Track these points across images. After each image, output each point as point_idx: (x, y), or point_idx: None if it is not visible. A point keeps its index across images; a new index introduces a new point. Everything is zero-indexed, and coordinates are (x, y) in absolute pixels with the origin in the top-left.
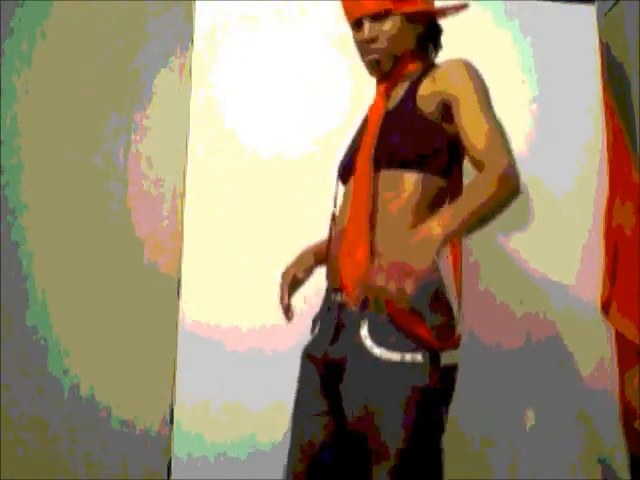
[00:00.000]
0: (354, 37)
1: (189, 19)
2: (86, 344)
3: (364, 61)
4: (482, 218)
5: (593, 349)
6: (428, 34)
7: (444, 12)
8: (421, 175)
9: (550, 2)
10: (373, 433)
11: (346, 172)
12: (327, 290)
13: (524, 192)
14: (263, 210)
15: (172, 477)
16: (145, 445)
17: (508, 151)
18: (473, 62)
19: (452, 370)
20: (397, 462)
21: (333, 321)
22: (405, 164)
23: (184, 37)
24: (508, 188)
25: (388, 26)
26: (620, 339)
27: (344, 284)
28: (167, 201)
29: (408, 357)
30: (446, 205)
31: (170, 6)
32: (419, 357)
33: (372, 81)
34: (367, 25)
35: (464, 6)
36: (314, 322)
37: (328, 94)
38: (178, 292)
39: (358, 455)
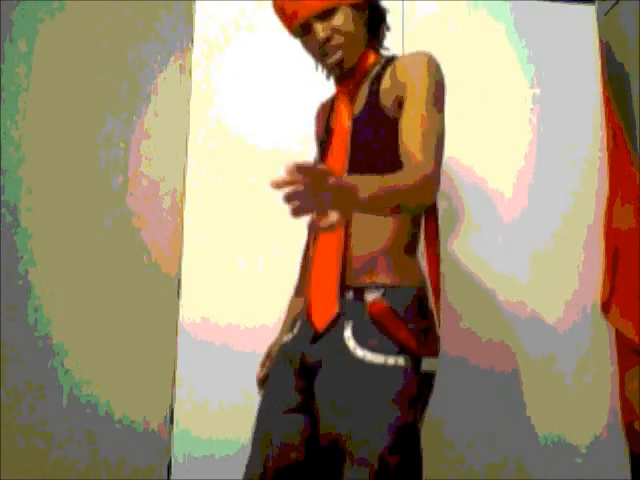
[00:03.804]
0: (305, 43)
1: (189, 19)
2: (86, 344)
3: (324, 64)
4: (391, 201)
5: (593, 349)
6: (375, 18)
7: None
8: None
9: (550, 2)
10: (351, 435)
11: None
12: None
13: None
14: (264, 210)
15: (172, 477)
16: (145, 445)
17: (438, 160)
18: (438, 57)
19: (431, 377)
20: (379, 467)
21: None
22: (381, 173)
23: (184, 37)
24: (426, 191)
25: (340, 21)
26: (620, 339)
27: (313, 318)
28: (167, 201)
29: (391, 360)
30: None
31: (170, 6)
32: (401, 361)
33: None
34: (318, 26)
35: None
36: (294, 321)
37: (328, 94)
38: (178, 292)
39: (328, 456)
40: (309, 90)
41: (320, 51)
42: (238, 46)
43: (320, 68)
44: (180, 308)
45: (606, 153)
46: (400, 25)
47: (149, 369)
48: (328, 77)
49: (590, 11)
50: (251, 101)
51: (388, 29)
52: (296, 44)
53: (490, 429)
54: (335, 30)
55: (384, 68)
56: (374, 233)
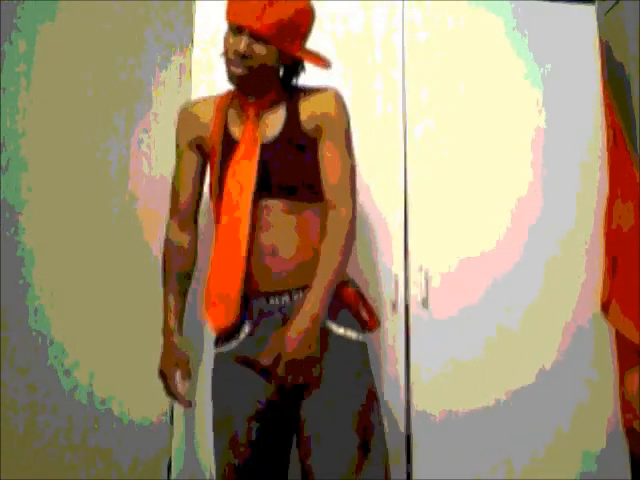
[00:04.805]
0: (227, 38)
1: (189, 19)
2: (86, 344)
3: (229, 69)
4: (339, 276)
5: (593, 349)
6: (294, 68)
7: (316, 62)
8: (303, 202)
9: (550, 2)
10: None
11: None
12: (250, 297)
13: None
14: None
15: (172, 477)
16: (145, 445)
17: (353, 193)
18: (342, 93)
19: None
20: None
21: (278, 320)
22: (292, 193)
23: (184, 37)
24: (352, 229)
25: (264, 51)
26: (620, 339)
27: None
28: (167, 201)
29: (361, 337)
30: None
31: (170, 6)
32: (362, 337)
33: (371, 82)
34: (245, 39)
35: (328, 65)
36: (236, 327)
37: None
38: None
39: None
40: None
41: (232, 56)
42: None
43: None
44: None
45: (606, 153)
46: (400, 25)
47: (149, 369)
48: (230, 81)
49: (590, 11)
50: None
51: (298, 77)
52: None
53: (490, 430)
54: (255, 54)
55: (297, 99)
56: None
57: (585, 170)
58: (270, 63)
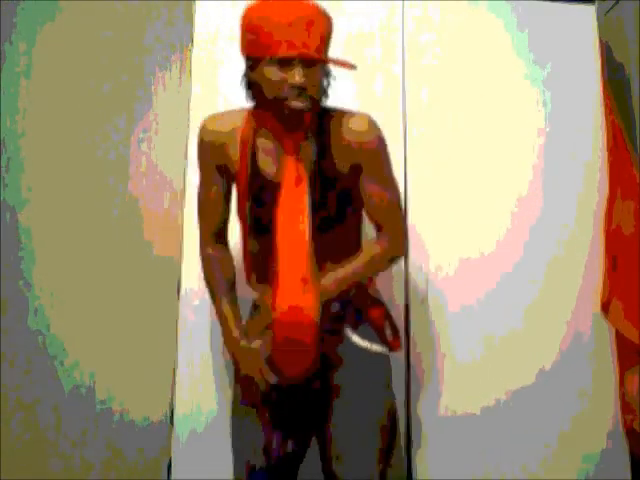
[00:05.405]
0: (268, 74)
1: (189, 19)
2: (86, 344)
3: (286, 105)
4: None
5: (593, 349)
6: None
7: (344, 65)
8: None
9: (550, 2)
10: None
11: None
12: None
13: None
14: None
15: (172, 477)
16: (145, 445)
17: (403, 231)
18: (375, 120)
19: None
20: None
21: None
22: (329, 225)
23: (184, 37)
24: (392, 265)
25: (317, 74)
26: (620, 339)
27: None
28: (167, 200)
29: (385, 351)
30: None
31: (170, 6)
32: (386, 351)
33: (371, 82)
34: (299, 70)
35: (354, 67)
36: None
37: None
38: (178, 292)
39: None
40: None
41: (289, 92)
42: (238, 46)
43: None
44: (180, 308)
45: (606, 153)
46: (400, 25)
47: (149, 369)
48: (281, 120)
49: (590, 11)
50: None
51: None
52: None
53: (490, 431)
54: (311, 82)
55: (324, 124)
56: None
57: (585, 170)
58: (322, 85)
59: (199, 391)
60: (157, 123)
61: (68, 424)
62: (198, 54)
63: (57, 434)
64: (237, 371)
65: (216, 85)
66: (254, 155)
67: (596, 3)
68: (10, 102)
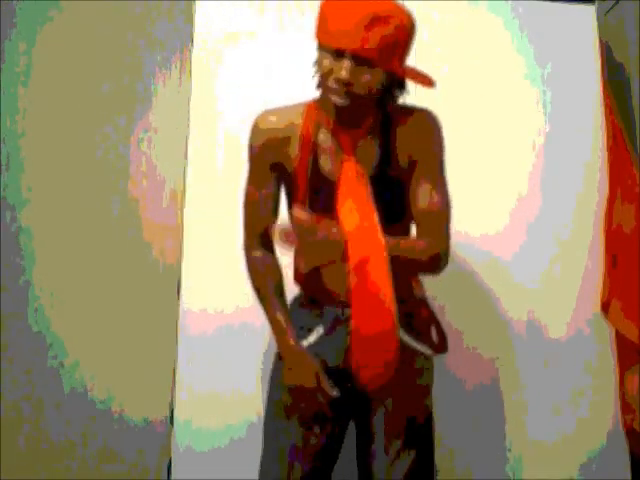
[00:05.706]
0: (321, 60)
1: (189, 19)
2: (86, 344)
3: (327, 95)
4: (400, 263)
5: (593, 349)
6: (392, 89)
7: (422, 81)
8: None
9: (550, 2)
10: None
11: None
12: (322, 302)
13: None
14: None
15: (172, 477)
16: (145, 445)
17: (447, 235)
18: (440, 114)
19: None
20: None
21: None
22: (392, 224)
23: (184, 37)
24: (433, 268)
25: (370, 76)
26: (620, 339)
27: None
28: (167, 200)
29: (430, 352)
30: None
31: (170, 6)
32: (432, 353)
33: None
34: (347, 64)
35: (433, 84)
36: (305, 330)
37: None
38: (178, 292)
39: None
40: (309, 90)
41: (331, 82)
42: (238, 46)
43: (317, 80)
44: (180, 308)
45: (606, 153)
46: None
47: (149, 369)
48: (322, 107)
49: (590, 11)
50: (251, 101)
51: (400, 94)
52: (296, 44)
53: (491, 432)
54: (360, 81)
55: (387, 125)
56: None
57: (585, 170)
58: (375, 89)
59: (199, 391)
60: (157, 123)
61: (67, 424)
62: (198, 54)
63: (56, 434)
64: (286, 378)
65: (216, 85)
66: (315, 153)
67: (596, 3)
68: (10, 102)
